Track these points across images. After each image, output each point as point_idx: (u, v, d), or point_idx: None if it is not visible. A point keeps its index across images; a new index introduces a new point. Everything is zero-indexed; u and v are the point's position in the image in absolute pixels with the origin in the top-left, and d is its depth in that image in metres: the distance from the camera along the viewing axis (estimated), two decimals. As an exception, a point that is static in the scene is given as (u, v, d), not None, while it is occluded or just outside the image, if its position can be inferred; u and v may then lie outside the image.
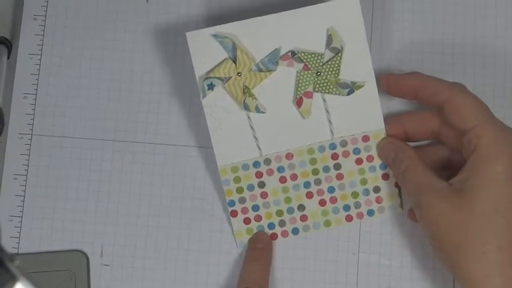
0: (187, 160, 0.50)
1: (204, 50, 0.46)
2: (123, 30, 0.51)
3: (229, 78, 0.46)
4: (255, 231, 0.48)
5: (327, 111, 0.47)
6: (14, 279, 0.30)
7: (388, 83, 0.47)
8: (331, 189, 0.48)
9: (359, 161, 0.48)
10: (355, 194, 0.48)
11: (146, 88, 0.51)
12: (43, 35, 0.51)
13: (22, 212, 0.49)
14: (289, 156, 0.48)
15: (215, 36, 0.46)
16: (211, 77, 0.46)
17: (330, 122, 0.47)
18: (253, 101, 0.47)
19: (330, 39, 0.46)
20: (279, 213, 0.48)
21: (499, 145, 0.41)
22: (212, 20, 0.51)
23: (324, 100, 0.47)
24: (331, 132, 0.47)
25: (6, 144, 0.50)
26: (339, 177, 0.48)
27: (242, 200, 0.48)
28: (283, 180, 0.48)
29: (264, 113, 0.47)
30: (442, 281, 0.49)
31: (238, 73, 0.47)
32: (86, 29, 0.52)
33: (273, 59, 0.46)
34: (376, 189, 0.48)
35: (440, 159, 0.46)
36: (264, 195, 0.48)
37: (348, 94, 0.46)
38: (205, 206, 0.50)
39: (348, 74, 0.47)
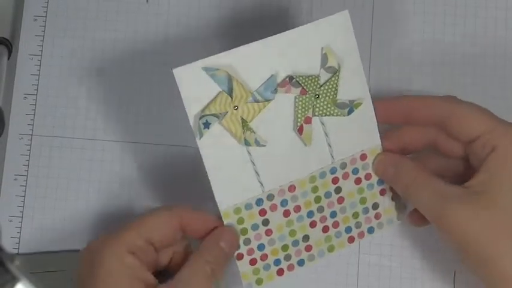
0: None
1: (196, 85, 0.44)
2: (123, 31, 0.51)
3: (226, 114, 0.44)
4: (261, 270, 0.48)
5: (326, 135, 0.47)
6: (14, 279, 0.31)
7: (377, 110, 0.48)
8: (333, 214, 0.48)
9: (358, 181, 0.48)
10: (355, 215, 0.49)
11: (147, 89, 0.51)
12: (43, 36, 0.53)
13: (22, 212, 0.50)
14: (291, 188, 0.47)
15: (206, 69, 0.43)
16: (206, 115, 0.44)
17: (329, 145, 0.47)
18: (252, 134, 0.45)
19: (325, 58, 0.46)
20: (285, 248, 0.48)
21: None
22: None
23: (322, 123, 0.47)
24: (331, 156, 0.47)
25: (7, 145, 0.53)
26: (340, 200, 0.48)
27: (247, 242, 0.47)
28: (286, 214, 0.47)
29: (264, 146, 0.45)
30: (441, 282, 0.48)
31: (235, 107, 0.44)
32: (86, 29, 0.52)
33: (270, 87, 0.45)
34: (375, 206, 0.49)
35: (436, 168, 0.47)
36: (268, 232, 0.47)
37: (349, 114, 0.47)
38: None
39: (345, 93, 0.46)
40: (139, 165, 0.54)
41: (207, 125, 0.44)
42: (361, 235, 0.49)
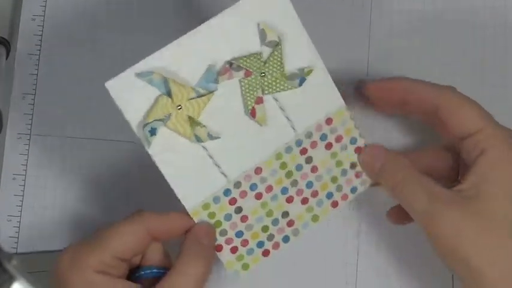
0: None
1: (132, 94, 0.43)
2: (123, 30, 0.51)
3: (170, 116, 0.43)
4: (245, 256, 0.48)
5: (282, 110, 0.46)
6: (12, 279, 0.31)
7: (371, 90, 0.47)
8: (309, 185, 0.48)
9: (329, 146, 0.48)
10: (334, 179, 0.48)
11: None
12: (41, 35, 0.53)
13: (21, 211, 0.51)
14: (258, 171, 0.46)
15: (140, 75, 0.42)
16: (150, 122, 0.43)
17: (288, 119, 0.46)
18: (203, 129, 0.44)
19: (263, 34, 0.44)
20: (265, 229, 0.48)
21: (510, 146, 0.42)
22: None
23: (275, 99, 0.46)
24: (293, 128, 0.47)
25: (5, 144, 0.54)
26: (314, 169, 0.48)
27: (223, 233, 0.47)
28: (259, 196, 0.47)
29: (218, 138, 0.45)
30: (440, 281, 0.49)
31: (178, 106, 0.43)
32: (85, 29, 0.52)
33: (211, 78, 0.44)
34: (353, 166, 0.49)
35: (425, 166, 0.47)
36: (244, 219, 0.47)
37: (300, 84, 0.46)
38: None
39: (293, 63, 0.46)
40: (139, 165, 0.54)
41: (153, 132, 0.43)
42: (344, 197, 0.49)
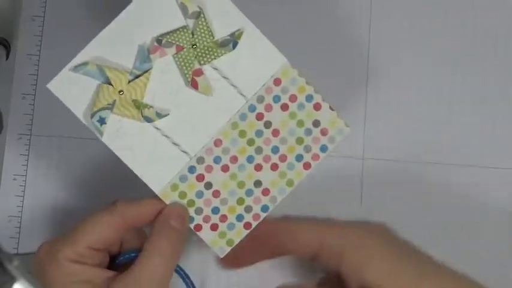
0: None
1: (74, 89, 0.45)
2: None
3: (114, 102, 0.46)
4: (227, 231, 0.48)
5: (225, 78, 0.47)
6: (12, 279, 0.31)
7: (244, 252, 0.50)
8: (275, 150, 0.48)
9: (285, 107, 0.48)
10: (299, 140, 0.48)
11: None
12: (41, 36, 0.53)
13: (21, 212, 0.51)
14: (217, 142, 0.47)
15: (75, 69, 0.45)
16: (96, 111, 0.45)
17: (234, 86, 0.47)
18: (150, 109, 0.46)
19: (183, 7, 0.46)
20: (240, 201, 0.48)
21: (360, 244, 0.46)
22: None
23: (216, 68, 0.47)
24: (242, 95, 0.47)
25: (6, 145, 0.55)
26: (275, 133, 0.48)
27: (199, 211, 0.48)
28: (225, 168, 0.48)
29: (168, 115, 0.46)
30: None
31: (120, 91, 0.45)
32: (85, 29, 0.53)
33: (143, 58, 0.46)
34: (316, 123, 0.48)
35: None
36: (216, 194, 0.48)
37: (234, 48, 0.46)
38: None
39: (222, 30, 0.46)
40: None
41: (102, 121, 0.45)
42: (315, 157, 0.48)
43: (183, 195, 0.47)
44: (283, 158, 0.48)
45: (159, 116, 0.46)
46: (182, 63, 0.46)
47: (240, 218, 0.48)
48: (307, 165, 0.48)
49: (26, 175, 0.55)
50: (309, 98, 0.48)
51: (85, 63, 0.45)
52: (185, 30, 0.46)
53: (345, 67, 0.55)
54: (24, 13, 0.56)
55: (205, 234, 0.48)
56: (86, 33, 0.56)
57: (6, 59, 0.55)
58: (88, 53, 0.45)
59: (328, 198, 0.54)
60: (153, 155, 0.46)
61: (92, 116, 0.45)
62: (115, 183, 0.54)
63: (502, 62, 0.55)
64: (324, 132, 0.48)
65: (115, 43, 0.45)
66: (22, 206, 0.54)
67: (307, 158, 0.48)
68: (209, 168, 0.47)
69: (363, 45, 0.55)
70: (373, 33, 0.55)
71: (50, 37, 0.56)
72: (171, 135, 0.46)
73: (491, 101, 0.55)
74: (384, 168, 0.54)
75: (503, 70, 0.55)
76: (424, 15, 0.55)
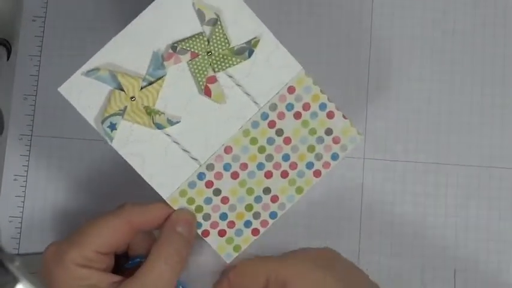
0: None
1: (85, 94, 0.45)
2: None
3: (126, 108, 0.46)
4: (235, 237, 0.49)
5: (239, 85, 0.47)
6: (14, 280, 0.31)
7: (233, 278, 0.50)
8: (286, 157, 0.48)
9: (298, 115, 0.48)
10: (311, 148, 0.48)
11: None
12: (42, 36, 0.53)
13: (22, 212, 0.51)
14: (228, 150, 0.47)
15: (87, 74, 0.45)
16: (107, 117, 0.45)
17: (247, 94, 0.47)
18: (161, 116, 0.46)
19: (201, 14, 0.46)
20: (249, 207, 0.48)
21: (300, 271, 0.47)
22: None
23: (230, 76, 0.47)
24: (255, 102, 0.47)
25: (6, 145, 0.55)
26: (287, 141, 0.48)
27: (207, 217, 0.48)
28: (235, 175, 0.48)
29: (179, 122, 0.46)
30: (442, 280, 0.49)
31: (132, 98, 0.45)
32: (86, 30, 0.53)
33: (157, 64, 0.46)
34: (329, 132, 0.48)
35: None
36: (225, 200, 0.48)
37: (250, 56, 0.46)
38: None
39: (238, 37, 0.46)
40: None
41: (112, 126, 0.45)
42: (326, 165, 0.48)
43: (191, 201, 0.47)
44: (293, 166, 0.48)
45: (171, 123, 0.46)
46: (196, 70, 0.46)
47: (248, 224, 0.48)
48: (317, 173, 0.48)
49: (26, 176, 0.55)
50: (323, 106, 0.48)
51: (97, 69, 0.45)
52: (201, 37, 0.45)
53: (345, 72, 0.55)
54: (25, 14, 0.57)
55: (213, 240, 0.48)
56: (86, 34, 0.56)
57: (7, 59, 0.55)
58: (100, 58, 0.45)
59: (330, 201, 0.54)
60: (163, 161, 0.46)
61: (103, 121, 0.45)
62: (116, 183, 0.55)
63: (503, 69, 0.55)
64: (336, 141, 0.48)
65: (128, 49, 0.45)
66: (23, 207, 0.55)
67: (317, 165, 0.48)
68: (218, 175, 0.47)
69: (365, 46, 0.55)
70: (374, 34, 0.55)
71: (51, 38, 0.56)
72: (182, 142, 0.46)
73: (490, 105, 0.55)
74: (383, 168, 0.54)
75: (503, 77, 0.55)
76: (425, 26, 0.56)
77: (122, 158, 0.54)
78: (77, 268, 0.44)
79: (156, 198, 0.51)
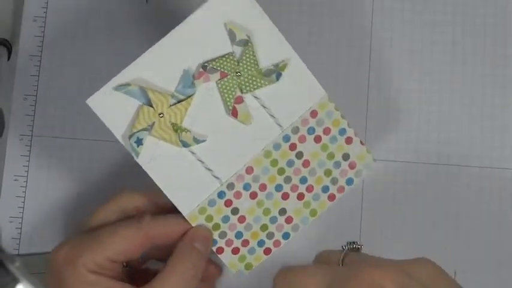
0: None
1: (114, 108, 0.45)
2: (123, 31, 0.51)
3: (153, 124, 0.46)
4: (247, 256, 0.49)
5: (264, 107, 0.47)
6: (14, 280, 0.31)
7: None
8: (303, 180, 0.49)
9: (318, 139, 0.48)
10: (328, 172, 0.49)
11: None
12: (43, 37, 0.54)
13: (22, 213, 0.51)
14: (249, 170, 0.48)
15: (117, 88, 0.45)
16: (134, 133, 0.45)
17: (272, 116, 0.47)
18: (188, 134, 0.46)
19: (232, 34, 0.46)
20: (264, 227, 0.49)
21: None
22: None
23: (256, 97, 0.47)
24: (279, 125, 0.48)
25: (7, 146, 0.55)
26: (306, 164, 0.48)
27: (223, 235, 0.48)
28: (253, 196, 0.48)
29: (205, 140, 0.47)
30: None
31: (160, 114, 0.45)
32: (86, 30, 0.52)
33: (187, 82, 0.46)
34: (346, 157, 0.49)
35: None
36: (241, 219, 0.48)
37: (277, 79, 0.47)
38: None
39: (267, 59, 0.47)
40: (139, 166, 0.54)
41: (139, 142, 0.45)
42: (340, 190, 0.49)
43: (209, 218, 0.47)
44: (310, 189, 0.48)
45: (197, 141, 0.46)
46: (225, 90, 0.46)
47: (261, 243, 0.49)
48: (332, 197, 0.49)
49: (27, 176, 0.55)
50: (342, 131, 0.48)
51: (127, 84, 0.44)
52: (231, 57, 0.46)
53: (347, 71, 0.55)
54: (26, 14, 0.56)
55: (226, 257, 0.48)
56: (87, 34, 0.56)
57: (8, 59, 0.55)
58: (130, 73, 0.45)
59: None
60: (186, 179, 0.46)
61: (130, 136, 0.45)
62: (116, 184, 0.55)
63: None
64: (352, 166, 0.49)
65: (159, 65, 0.45)
66: (23, 207, 0.55)
67: (332, 189, 0.49)
68: (238, 195, 0.47)
69: (365, 48, 0.55)
70: (374, 37, 0.55)
71: (51, 38, 0.56)
72: (206, 161, 0.46)
73: (491, 105, 0.55)
74: (383, 168, 0.54)
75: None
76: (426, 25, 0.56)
77: (123, 158, 0.54)
78: (88, 274, 0.44)
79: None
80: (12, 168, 0.55)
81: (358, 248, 0.44)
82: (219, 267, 0.51)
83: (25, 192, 0.55)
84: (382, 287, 0.35)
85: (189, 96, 0.45)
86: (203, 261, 0.46)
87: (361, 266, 0.39)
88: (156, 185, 0.46)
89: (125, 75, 0.45)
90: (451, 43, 0.56)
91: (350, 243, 0.44)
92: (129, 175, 0.54)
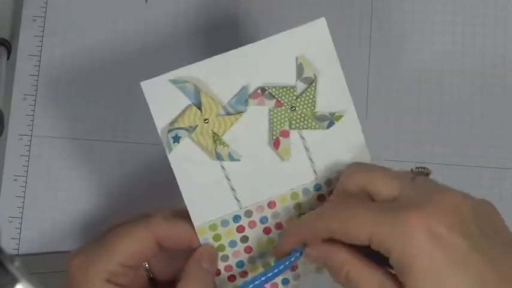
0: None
1: (164, 98, 0.44)
2: (123, 31, 0.51)
3: (196, 127, 0.44)
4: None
5: (307, 149, 0.46)
6: (14, 280, 0.31)
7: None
8: None
9: None
10: None
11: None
12: (42, 36, 0.53)
13: (22, 213, 0.51)
14: (271, 204, 0.46)
15: (174, 81, 0.44)
16: (175, 128, 0.44)
17: (311, 160, 0.46)
18: (225, 148, 0.45)
19: (300, 69, 0.45)
20: (266, 265, 0.47)
21: (404, 240, 0.37)
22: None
23: (302, 137, 0.45)
24: (314, 171, 0.46)
25: (6, 146, 0.56)
26: None
27: (225, 258, 0.46)
28: (267, 231, 0.46)
29: (239, 160, 0.45)
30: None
31: (205, 120, 0.44)
32: (85, 30, 0.53)
33: (242, 99, 0.44)
34: None
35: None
36: (248, 249, 0.46)
37: (328, 127, 0.45)
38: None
39: (325, 105, 0.45)
40: (139, 166, 0.54)
41: (176, 139, 0.44)
42: None
43: (217, 237, 0.46)
44: None
45: (231, 158, 0.45)
46: (274, 120, 0.45)
47: (258, 278, 0.45)
48: None
49: (26, 176, 0.55)
50: None
51: (185, 80, 0.44)
52: (292, 90, 0.44)
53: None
54: (25, 14, 0.57)
55: (221, 281, 0.47)
56: (86, 34, 0.56)
57: (8, 59, 0.55)
58: (191, 71, 0.44)
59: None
60: (208, 190, 0.45)
61: (170, 131, 0.44)
62: (116, 183, 0.55)
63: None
64: None
65: (220, 74, 0.44)
66: (23, 207, 0.55)
67: None
68: (252, 224, 0.46)
69: (365, 48, 0.55)
70: (374, 35, 0.55)
71: (51, 38, 0.56)
72: (233, 180, 0.45)
73: (491, 105, 0.56)
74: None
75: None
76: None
77: (123, 159, 0.54)
78: (101, 283, 0.43)
79: (151, 202, 0.51)
80: (12, 168, 0.55)
81: (427, 173, 0.42)
82: None
83: (24, 192, 0.55)
84: (460, 209, 0.36)
85: (239, 113, 0.44)
86: (211, 279, 0.46)
87: (439, 185, 0.39)
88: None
89: (185, 72, 0.44)
90: (451, 43, 0.56)
91: (419, 167, 0.43)
92: (129, 175, 0.54)
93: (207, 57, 0.42)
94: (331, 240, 0.41)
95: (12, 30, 0.56)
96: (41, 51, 0.56)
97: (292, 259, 0.43)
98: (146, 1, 0.56)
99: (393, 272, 0.39)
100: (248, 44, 0.43)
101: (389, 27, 0.56)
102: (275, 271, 0.43)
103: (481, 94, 0.56)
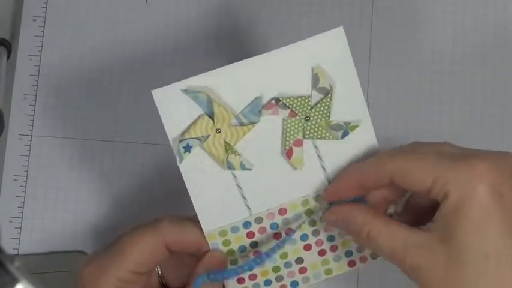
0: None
1: (176, 107, 0.43)
2: (123, 31, 0.51)
3: (208, 137, 0.44)
4: None
5: (320, 158, 0.45)
6: (14, 280, 0.31)
7: (331, 197, 0.45)
8: (330, 238, 0.47)
9: None
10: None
11: (148, 88, 0.51)
12: (42, 36, 0.54)
13: (22, 213, 0.52)
14: (282, 211, 0.46)
15: (186, 91, 0.43)
16: (186, 138, 0.44)
17: (324, 169, 0.45)
18: (237, 157, 0.44)
19: (316, 78, 0.44)
20: (276, 269, 0.47)
21: (466, 186, 0.38)
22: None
23: (316, 147, 0.45)
24: (327, 180, 0.46)
25: (6, 145, 0.56)
26: None
27: (234, 262, 0.47)
28: (277, 236, 0.46)
29: (250, 169, 0.45)
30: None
31: (217, 130, 0.44)
32: (86, 30, 0.53)
33: (255, 109, 0.44)
34: None
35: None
36: (257, 254, 0.46)
37: (343, 137, 0.45)
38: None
39: (340, 115, 0.45)
40: (139, 166, 0.54)
41: (187, 149, 0.44)
42: (363, 259, 0.47)
43: (227, 243, 0.46)
44: (333, 248, 0.47)
45: (243, 167, 0.44)
46: (288, 129, 0.44)
47: (267, 283, 0.47)
48: (352, 263, 0.47)
49: (26, 176, 0.55)
50: None
51: (198, 91, 0.43)
52: (307, 100, 0.44)
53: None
54: (25, 14, 0.57)
55: (230, 284, 0.46)
56: (86, 34, 0.56)
57: (8, 59, 0.55)
58: (203, 80, 0.43)
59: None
60: (218, 198, 0.45)
61: (181, 141, 0.43)
62: (116, 183, 0.55)
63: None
64: None
65: (233, 83, 0.44)
66: (23, 207, 0.55)
67: (355, 256, 0.47)
68: (262, 230, 0.46)
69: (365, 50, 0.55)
70: (374, 36, 0.55)
71: (51, 38, 0.56)
72: (244, 188, 0.45)
73: (491, 104, 0.56)
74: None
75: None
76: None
77: (123, 158, 0.54)
78: None
79: (149, 200, 0.51)
80: (12, 168, 0.55)
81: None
82: None
83: (24, 192, 0.55)
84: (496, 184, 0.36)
85: (252, 123, 0.44)
86: (220, 283, 0.45)
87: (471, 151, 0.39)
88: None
89: (197, 81, 0.43)
90: (451, 44, 0.56)
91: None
92: (129, 175, 0.54)
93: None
94: (349, 204, 0.42)
95: (12, 30, 0.56)
96: (41, 51, 0.56)
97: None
98: (146, 1, 0.57)
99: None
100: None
101: (390, 27, 0.57)
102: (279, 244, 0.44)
103: (481, 94, 0.56)
